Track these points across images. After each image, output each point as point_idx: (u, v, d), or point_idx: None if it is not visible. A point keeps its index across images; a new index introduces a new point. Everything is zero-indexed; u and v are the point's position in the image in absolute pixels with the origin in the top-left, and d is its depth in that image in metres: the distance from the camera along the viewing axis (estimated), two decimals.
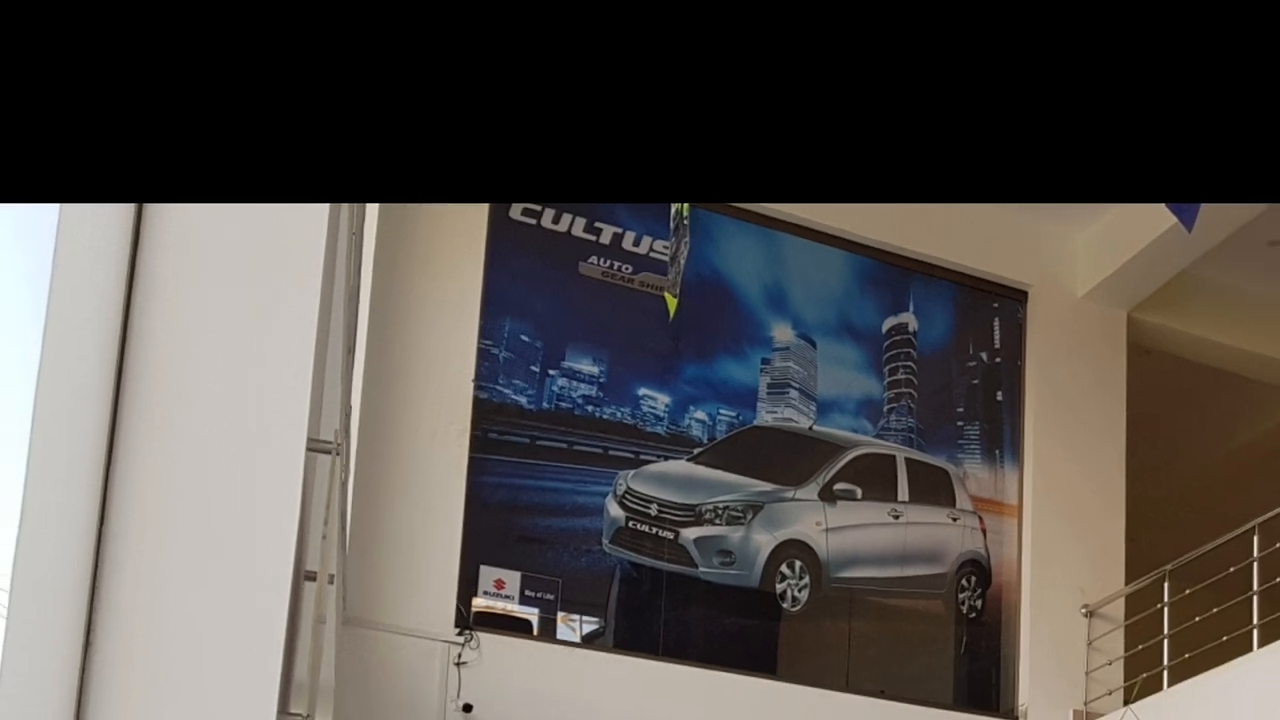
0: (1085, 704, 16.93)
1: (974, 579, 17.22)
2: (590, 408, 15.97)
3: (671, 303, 15.18)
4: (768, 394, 16.70)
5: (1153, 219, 16.26)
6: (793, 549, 16.42)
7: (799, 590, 16.37)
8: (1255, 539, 15.58)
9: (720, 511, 16.21)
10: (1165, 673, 16.30)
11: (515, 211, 15.90)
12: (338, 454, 7.85)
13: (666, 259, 15.66)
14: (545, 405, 15.82)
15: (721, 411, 16.48)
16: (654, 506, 16.01)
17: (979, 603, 17.20)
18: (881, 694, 16.42)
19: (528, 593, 15.40)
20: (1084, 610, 17.14)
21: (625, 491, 15.96)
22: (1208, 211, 13.69)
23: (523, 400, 15.73)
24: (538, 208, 15.96)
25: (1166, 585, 16.57)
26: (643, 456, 16.09)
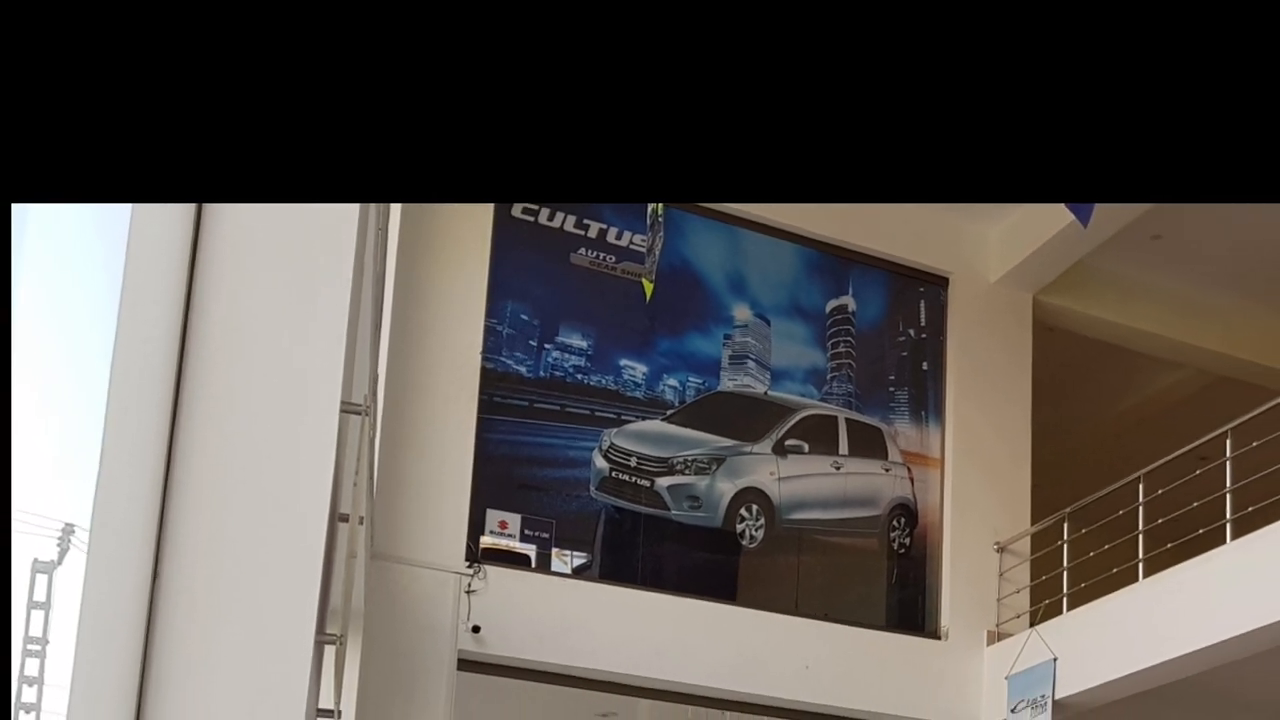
0: (997, 626, 16.95)
1: (903, 520, 17.23)
2: (580, 376, 15.97)
3: (648, 287, 15.27)
4: (729, 364, 16.69)
5: (1054, 217, 16.28)
6: (750, 495, 16.43)
7: (755, 530, 16.38)
8: (1140, 486, 15.62)
9: (689, 463, 16.21)
10: (1065, 600, 16.32)
11: (516, 210, 15.89)
12: (366, 415, 7.86)
13: (644, 250, 15.73)
14: (541, 374, 15.82)
15: (690, 379, 16.47)
16: (633, 459, 16.02)
17: (907, 540, 17.20)
18: (825, 617, 16.43)
19: (527, 532, 15.41)
20: (996, 547, 17.15)
21: (609, 447, 15.96)
22: (1100, 210, 13.73)
23: (522, 370, 15.73)
24: (535, 207, 15.94)
25: (1066, 526, 16.59)
26: (624, 417, 16.08)
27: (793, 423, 16.85)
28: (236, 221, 5.97)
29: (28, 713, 33.38)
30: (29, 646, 33.71)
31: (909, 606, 17.16)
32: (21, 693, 33.37)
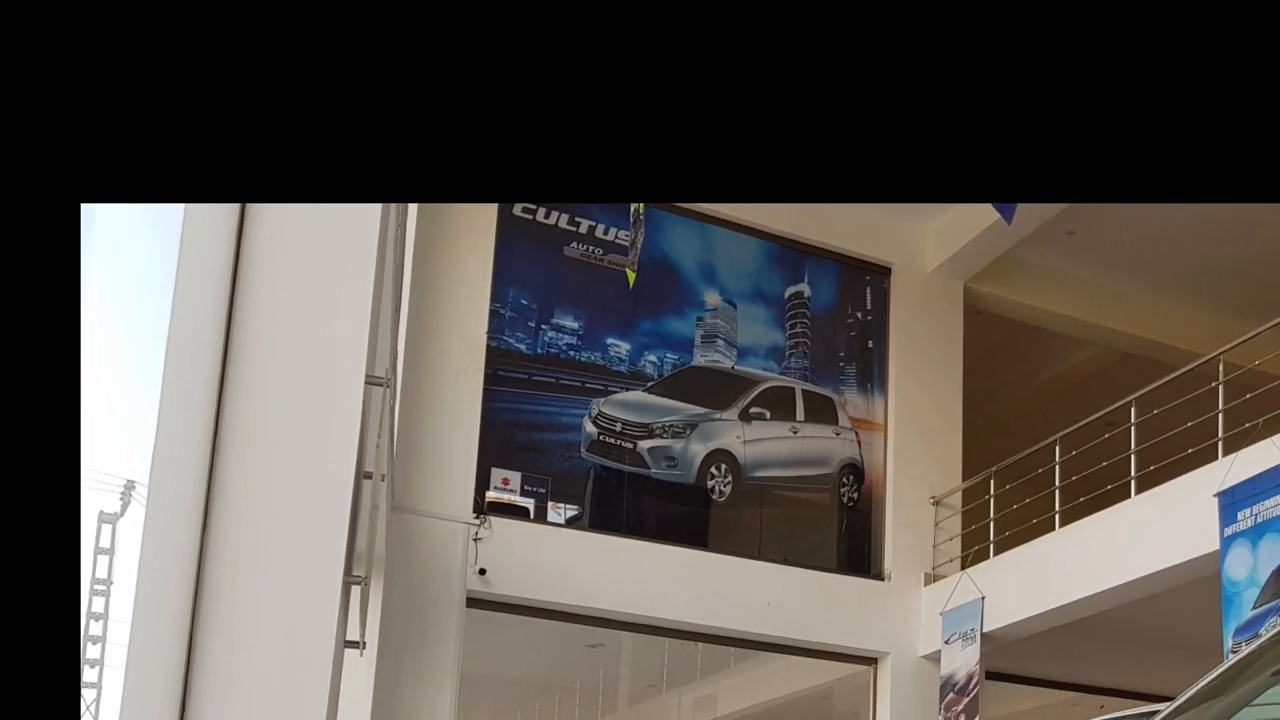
0: (933, 569, 16.98)
1: (851, 477, 17.24)
2: (572, 352, 15.96)
3: (631, 276, 15.27)
4: (701, 343, 16.69)
5: (982, 215, 16.30)
6: (719, 456, 16.43)
7: (724, 486, 16.39)
8: (1057, 448, 15.63)
9: (667, 428, 16.22)
10: (991, 546, 16.34)
11: (516, 209, 15.88)
12: (387, 386, 7.87)
13: (627, 244, 15.72)
14: (539, 351, 15.81)
15: (667, 355, 16.46)
16: (618, 425, 16.02)
17: (855, 495, 17.22)
18: (784, 561, 16.45)
19: (526, 488, 15.41)
20: (932, 500, 17.17)
21: (597, 414, 15.96)
22: (1022, 209, 13.73)
23: (522, 347, 15.72)
24: (534, 207, 15.93)
25: (992, 482, 16.62)
26: (610, 388, 16.08)
27: (756, 393, 16.86)
28: (275, 219, 5.99)
29: (95, 643, 33.40)
30: (96, 587, 33.76)
31: (856, 552, 17.19)
32: (89, 626, 33.38)
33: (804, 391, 17.16)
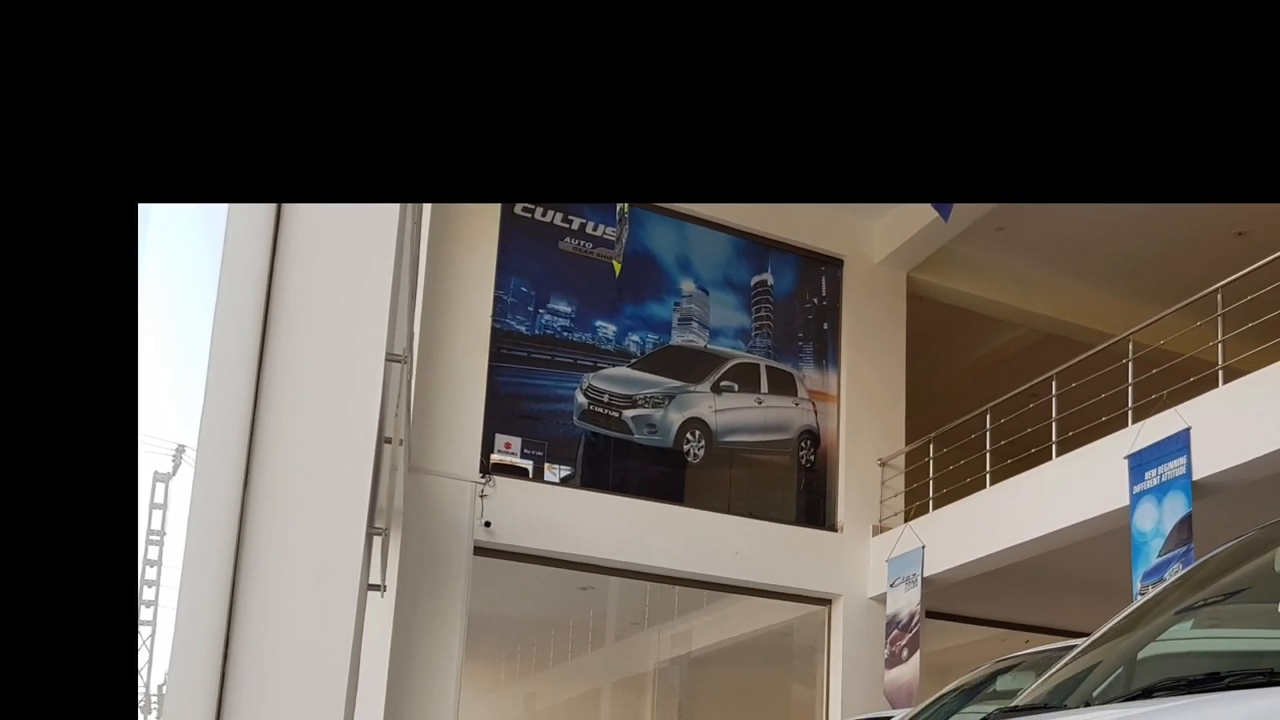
0: (879, 521, 17.01)
1: (809, 442, 17.26)
2: (565, 333, 15.96)
3: (617, 267, 15.29)
4: (678, 325, 16.69)
5: (923, 213, 16.32)
6: (694, 423, 16.44)
7: (698, 449, 16.40)
8: (988, 417, 15.69)
9: (648, 399, 16.22)
10: (930, 502, 16.40)
11: (517, 209, 15.88)
12: (404, 362, 7.87)
13: (614, 239, 15.70)
14: (537, 332, 15.80)
15: (649, 336, 16.47)
16: (606, 396, 16.02)
17: (812, 458, 17.24)
18: (750, 515, 16.47)
19: (526, 451, 15.41)
20: (879, 462, 17.21)
21: (588, 387, 15.97)
22: (957, 209, 13.76)
23: (522, 329, 15.71)
24: (532, 206, 15.93)
25: (931, 446, 16.65)
26: (599, 365, 16.09)
27: (725, 369, 16.87)
28: (307, 217, 5.99)
29: (150, 586, 33.40)
30: (151, 536, 33.80)
31: (813, 507, 17.21)
32: (145, 571, 33.41)
33: (767, 367, 17.18)
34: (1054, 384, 14.66)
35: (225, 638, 5.54)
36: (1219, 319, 12.55)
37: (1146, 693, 3.61)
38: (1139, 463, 12.41)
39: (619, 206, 14.85)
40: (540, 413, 15.73)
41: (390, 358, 6.43)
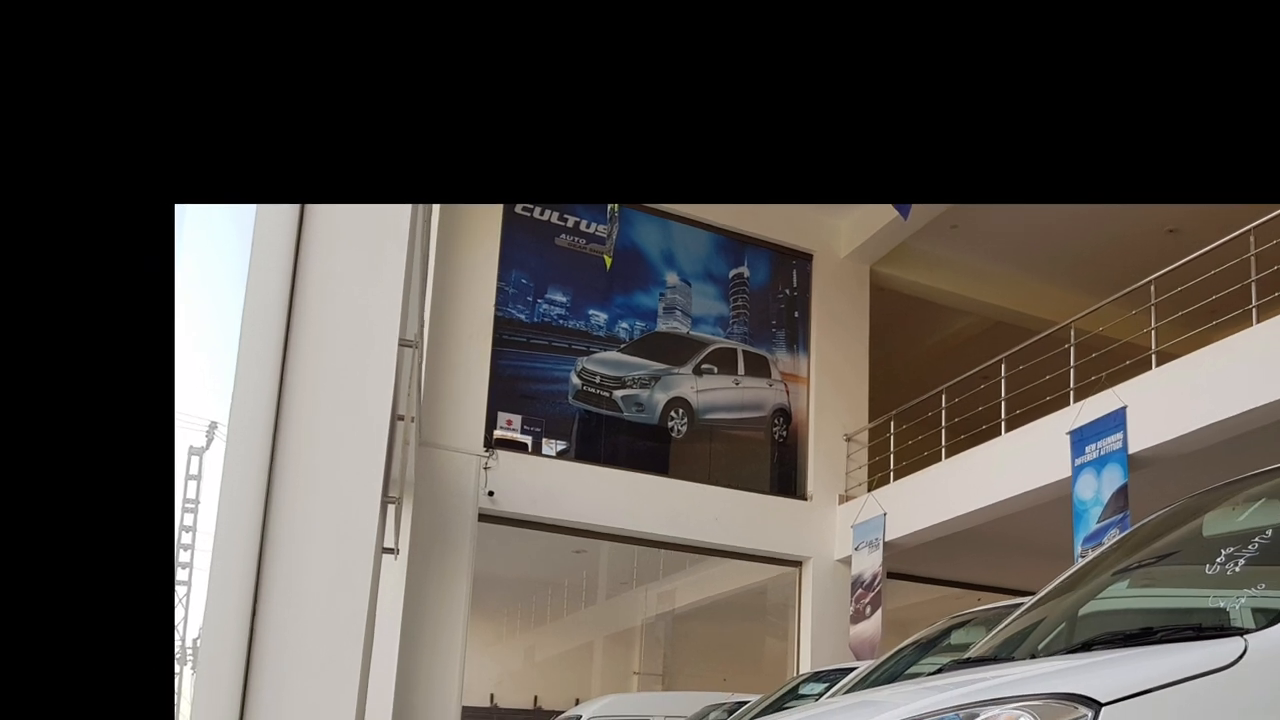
0: (845, 491, 17.04)
1: (781, 419, 17.28)
2: (561, 321, 15.97)
3: (608, 261, 15.32)
4: (663, 313, 16.70)
5: (884, 212, 16.36)
6: (678, 403, 16.46)
7: (681, 426, 16.42)
8: (943, 396, 15.71)
9: (636, 381, 16.24)
10: (891, 473, 16.43)
11: (518, 208, 15.88)
12: (416, 347, 7.87)
13: (605, 236, 15.70)
14: (535, 320, 15.81)
15: (636, 323, 16.47)
16: (598, 378, 16.03)
17: (784, 434, 17.26)
18: (728, 485, 16.49)
19: (526, 427, 15.42)
20: (845, 437, 17.24)
21: (582, 369, 15.97)
22: (916, 209, 13.77)
23: (522, 317, 15.72)
24: (531, 206, 15.92)
25: (892, 423, 16.68)
26: (591, 349, 16.09)
27: (706, 353, 16.88)
28: (328, 215, 5.99)
29: (185, 550, 33.40)
30: (186, 504, 33.76)
31: (786, 478, 17.24)
32: (181, 536, 33.39)
33: (744, 352, 17.19)
34: (1003, 366, 14.69)
35: (253, 596, 5.55)
36: (1152, 308, 12.60)
37: (1086, 646, 3.63)
38: (1080, 438, 12.44)
39: (610, 206, 14.90)
40: (538, 393, 15.73)
41: (403, 343, 6.43)
